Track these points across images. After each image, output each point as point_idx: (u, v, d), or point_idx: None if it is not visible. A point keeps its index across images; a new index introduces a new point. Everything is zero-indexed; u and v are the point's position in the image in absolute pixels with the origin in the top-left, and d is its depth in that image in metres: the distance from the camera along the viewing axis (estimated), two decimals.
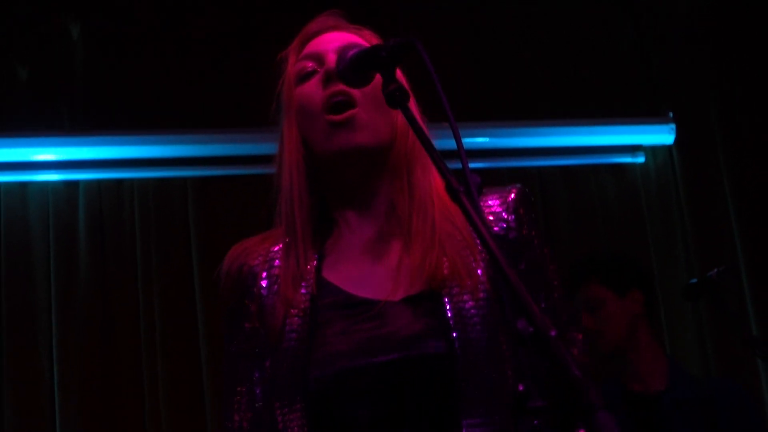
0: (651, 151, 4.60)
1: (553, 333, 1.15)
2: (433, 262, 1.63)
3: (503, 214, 1.70)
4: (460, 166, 1.38)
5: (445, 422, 1.55)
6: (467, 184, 1.34)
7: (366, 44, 1.72)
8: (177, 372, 4.06)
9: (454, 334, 1.57)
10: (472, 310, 1.60)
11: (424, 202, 1.71)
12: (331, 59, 1.70)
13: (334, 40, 1.76)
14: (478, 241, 1.62)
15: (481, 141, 4.44)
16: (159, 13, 4.31)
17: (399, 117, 1.71)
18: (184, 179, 4.32)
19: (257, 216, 1.91)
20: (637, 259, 3.62)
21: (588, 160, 4.66)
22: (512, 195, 1.71)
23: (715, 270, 3.08)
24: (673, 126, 4.51)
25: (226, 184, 4.31)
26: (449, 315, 1.59)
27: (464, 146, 1.40)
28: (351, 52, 1.62)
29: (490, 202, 1.71)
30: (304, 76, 1.75)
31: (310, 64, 1.75)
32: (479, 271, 1.64)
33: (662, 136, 4.55)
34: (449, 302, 1.61)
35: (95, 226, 4.20)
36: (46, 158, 4.23)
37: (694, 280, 3.18)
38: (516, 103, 4.50)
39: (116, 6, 4.30)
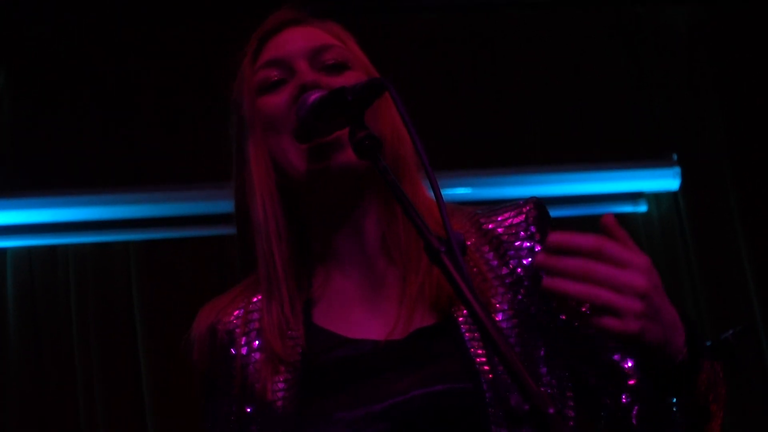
0: (654, 198, 4.49)
1: (551, 410, 1.15)
2: (434, 289, 1.58)
3: (524, 225, 1.63)
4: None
5: None
6: (449, 243, 1.31)
7: (335, 41, 1.69)
8: None
9: (477, 366, 1.51)
10: None
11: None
12: (302, 67, 1.62)
13: (299, 39, 1.68)
14: (503, 261, 1.60)
15: (463, 192, 4.31)
16: (95, 57, 4.24)
17: (387, 130, 1.65)
18: (126, 243, 4.25)
19: (208, 281, 1.90)
20: None
21: (583, 210, 4.51)
22: (529, 206, 1.66)
23: (731, 331, 3.26)
24: (678, 170, 4.39)
25: (174, 247, 4.23)
26: (467, 343, 1.53)
27: (444, 198, 1.38)
28: (312, 97, 1.56)
29: (505, 215, 1.66)
30: (269, 86, 1.66)
31: (276, 73, 1.66)
32: (497, 291, 1.59)
33: (666, 181, 4.43)
34: (465, 329, 1.55)
35: (26, 299, 4.15)
36: None
37: (708, 343, 3.19)
38: (502, 148, 4.44)
39: (46, 52, 4.24)
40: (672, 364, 1.35)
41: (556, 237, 1.28)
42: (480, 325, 1.24)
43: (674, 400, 1.40)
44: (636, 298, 1.28)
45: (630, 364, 1.56)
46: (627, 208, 4.53)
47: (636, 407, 1.53)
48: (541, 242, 1.62)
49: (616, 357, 1.56)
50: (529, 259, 1.62)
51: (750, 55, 4.57)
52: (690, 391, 1.39)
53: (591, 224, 4.07)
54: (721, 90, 4.50)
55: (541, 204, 1.68)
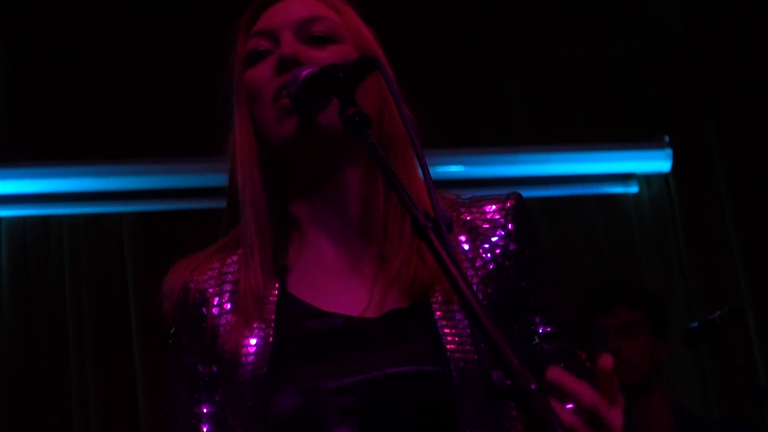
0: (645, 179, 4.55)
1: (533, 386, 1.17)
2: (411, 272, 1.58)
3: (501, 221, 1.65)
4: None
5: None
6: (436, 220, 1.31)
7: (328, 13, 1.68)
8: (112, 421, 4.04)
9: (448, 353, 1.52)
10: (464, 322, 1.55)
11: (402, 208, 1.61)
12: (285, 38, 1.63)
13: (290, 10, 1.67)
14: (479, 253, 1.62)
15: (454, 170, 4.39)
16: (90, 30, 4.27)
17: (377, 107, 1.65)
18: (119, 215, 4.28)
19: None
20: None
21: (575, 190, 4.61)
22: (511, 202, 1.66)
23: (718, 312, 3.05)
24: (669, 152, 4.46)
25: (166, 219, 4.27)
26: (439, 329, 1.55)
27: (433, 176, 1.38)
28: (303, 73, 1.55)
29: (486, 208, 1.67)
30: (255, 57, 1.66)
31: (263, 43, 1.66)
32: (471, 280, 1.60)
33: (657, 162, 4.51)
34: (438, 315, 1.56)
35: (19, 268, 4.18)
36: None
37: (695, 324, 3.16)
38: (494, 127, 4.49)
39: (40, 21, 4.26)
40: None
41: (555, 376, 1.32)
42: (464, 300, 1.25)
43: None
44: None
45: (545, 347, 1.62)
46: (618, 189, 4.60)
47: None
48: (516, 240, 1.64)
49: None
50: (501, 254, 1.63)
51: (742, 38, 4.60)
52: None
53: (583, 203, 4.21)
54: (713, 73, 4.51)
55: (521, 200, 1.69)
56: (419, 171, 1.53)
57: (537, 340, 1.62)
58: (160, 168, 4.22)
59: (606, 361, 1.34)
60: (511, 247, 1.63)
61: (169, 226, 4.23)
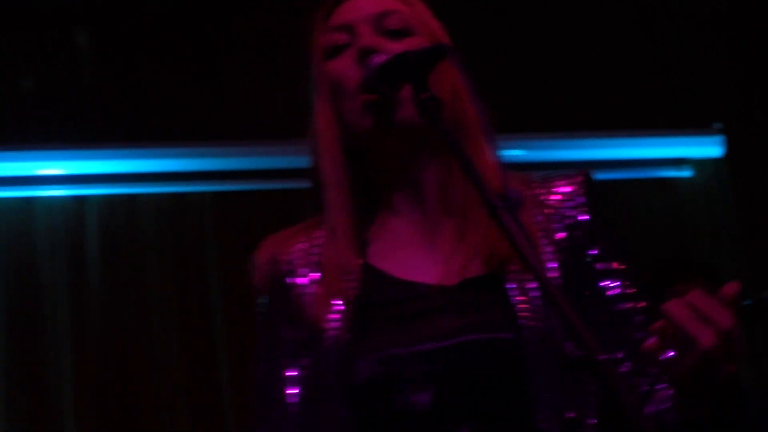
0: (698, 164, 4.60)
1: (602, 357, 1.19)
2: (490, 243, 1.61)
3: (573, 194, 1.69)
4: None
5: (512, 406, 1.54)
6: (506, 198, 1.34)
7: (401, 6, 1.72)
8: (195, 390, 4.11)
9: (520, 321, 1.55)
10: (537, 291, 1.57)
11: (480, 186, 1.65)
12: (363, 31, 1.67)
13: (365, 5, 1.72)
14: (552, 226, 1.65)
15: (517, 154, 4.41)
16: (173, 19, 4.33)
17: (447, 93, 1.66)
18: (201, 194, 4.36)
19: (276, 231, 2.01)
20: None
21: (631, 173, 4.66)
22: (581, 178, 1.71)
23: None
24: (721, 137, 4.51)
25: (246, 199, 4.34)
26: (513, 297, 1.57)
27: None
28: (376, 60, 1.60)
29: (557, 183, 1.71)
30: (334, 50, 1.70)
31: (341, 37, 1.70)
32: (547, 254, 1.64)
33: (710, 148, 4.56)
34: (512, 284, 1.59)
35: (107, 243, 4.24)
36: (52, 172, 4.29)
37: (748, 302, 3.27)
38: (555, 114, 4.54)
39: (126, 11, 4.33)
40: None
41: (694, 298, 1.33)
42: (537, 275, 1.30)
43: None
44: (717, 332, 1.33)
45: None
46: (672, 173, 4.64)
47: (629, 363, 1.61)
48: (587, 212, 1.68)
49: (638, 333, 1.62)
50: (573, 225, 1.67)
51: None
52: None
53: (638, 187, 4.26)
54: (765, 58, 4.53)
55: (590, 176, 1.73)
56: (488, 153, 1.58)
57: (612, 302, 1.65)
58: (238, 150, 4.28)
59: (731, 286, 1.37)
60: (582, 217, 1.67)
61: (247, 205, 4.28)
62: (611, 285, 1.64)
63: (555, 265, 1.62)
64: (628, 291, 1.66)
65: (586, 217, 1.66)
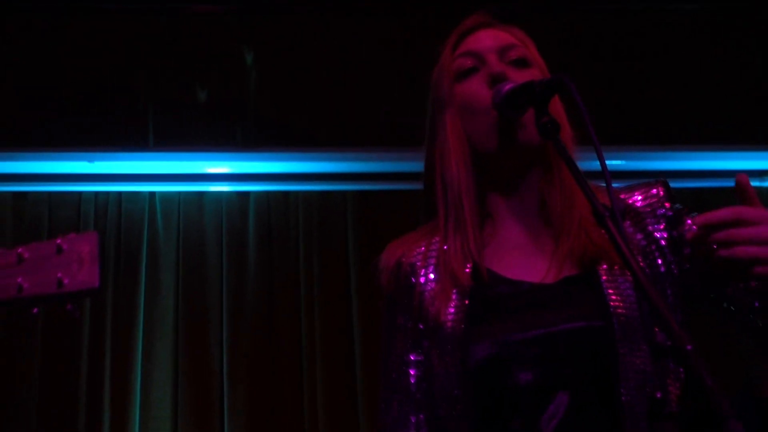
0: None
1: (689, 347, 1.21)
2: (581, 246, 1.66)
3: (657, 198, 1.73)
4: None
5: (601, 386, 1.57)
6: (612, 209, 1.39)
7: (519, 43, 1.79)
8: (333, 366, 4.29)
9: (611, 309, 1.58)
10: (625, 284, 1.61)
11: (572, 198, 1.74)
12: (492, 60, 1.75)
13: (490, 38, 1.80)
14: (642, 226, 1.69)
15: (616, 164, 4.54)
16: (325, 40, 4.48)
17: (559, 110, 1.76)
18: (344, 192, 4.53)
19: (411, 228, 1.93)
20: None
21: (717, 183, 4.76)
22: (661, 184, 1.75)
23: None
24: None
25: (383, 197, 4.49)
26: (605, 291, 1.61)
27: (592, 169, 1.47)
28: (507, 87, 1.66)
29: (641, 191, 1.74)
30: (464, 73, 1.78)
31: (470, 62, 1.78)
32: (644, 253, 1.67)
33: None
34: (604, 279, 1.62)
35: (264, 232, 4.43)
36: (220, 171, 4.47)
37: None
38: (650, 128, 4.62)
39: (287, 34, 4.47)
40: None
41: (700, 219, 1.38)
42: (635, 275, 1.30)
43: None
44: None
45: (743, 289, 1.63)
46: (754, 183, 4.07)
47: (756, 302, 1.61)
48: (669, 216, 1.70)
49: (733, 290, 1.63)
50: (662, 227, 1.69)
51: None
52: None
53: (721, 196, 4.46)
54: None
55: (667, 183, 1.75)
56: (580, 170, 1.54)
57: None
58: (379, 155, 4.38)
59: (741, 177, 1.45)
60: (665, 209, 1.71)
61: (382, 203, 4.45)
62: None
63: (644, 266, 1.65)
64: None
65: (671, 213, 1.71)
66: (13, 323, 4.15)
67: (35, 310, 1.39)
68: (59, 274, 1.37)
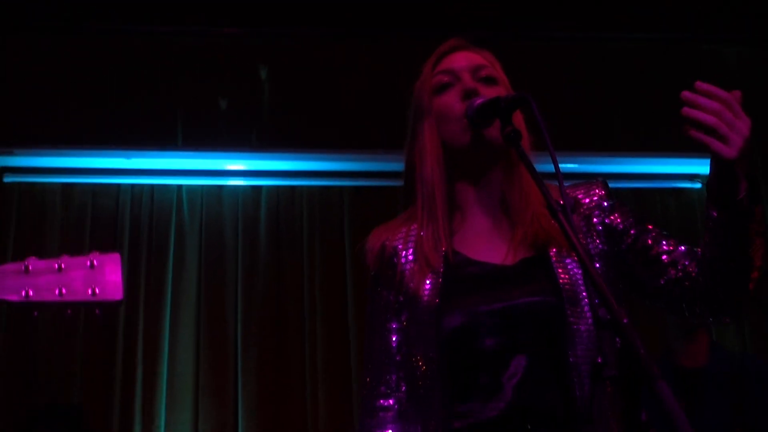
0: (706, 179, 4.30)
1: (625, 320, 1.30)
2: (533, 232, 1.78)
3: (598, 193, 1.86)
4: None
5: (553, 350, 1.67)
6: (564, 203, 1.48)
7: (488, 63, 1.90)
8: (330, 335, 4.61)
9: (560, 285, 1.69)
10: (572, 264, 1.72)
11: (528, 194, 1.84)
12: (466, 78, 1.87)
13: (464, 59, 1.90)
14: (593, 221, 1.81)
15: (569, 167, 4.84)
16: (325, 61, 4.77)
17: (520, 121, 1.85)
18: (341, 188, 4.83)
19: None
20: None
21: (654, 184, 5.09)
22: (599, 182, 1.89)
23: None
24: None
25: (375, 193, 4.76)
26: (555, 270, 1.72)
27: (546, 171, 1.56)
28: (477, 102, 1.77)
29: (584, 188, 1.87)
30: (441, 88, 1.87)
31: (447, 78, 1.88)
32: (589, 241, 1.79)
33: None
34: (554, 261, 1.73)
35: (273, 221, 4.74)
36: (237, 168, 4.78)
37: None
38: (598, 136, 4.94)
39: (296, 54, 4.78)
40: (736, 198, 1.54)
41: (704, 86, 1.47)
42: (580, 257, 1.39)
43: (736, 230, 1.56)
44: (741, 138, 1.48)
45: (665, 256, 1.73)
46: (685, 185, 5.05)
47: (684, 262, 1.72)
48: (610, 200, 1.83)
49: (662, 254, 1.74)
50: (604, 217, 1.81)
51: None
52: (748, 220, 1.54)
53: (656, 196, 5.00)
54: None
55: (606, 182, 1.88)
56: (536, 171, 1.62)
57: (654, 248, 1.75)
58: (372, 156, 4.65)
59: (735, 93, 1.50)
60: (607, 203, 1.84)
61: (373, 197, 4.69)
62: (650, 242, 1.76)
63: (590, 251, 1.76)
64: (659, 235, 1.78)
65: (609, 202, 1.84)
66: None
67: (69, 311, 1.52)
68: (92, 285, 1.50)
